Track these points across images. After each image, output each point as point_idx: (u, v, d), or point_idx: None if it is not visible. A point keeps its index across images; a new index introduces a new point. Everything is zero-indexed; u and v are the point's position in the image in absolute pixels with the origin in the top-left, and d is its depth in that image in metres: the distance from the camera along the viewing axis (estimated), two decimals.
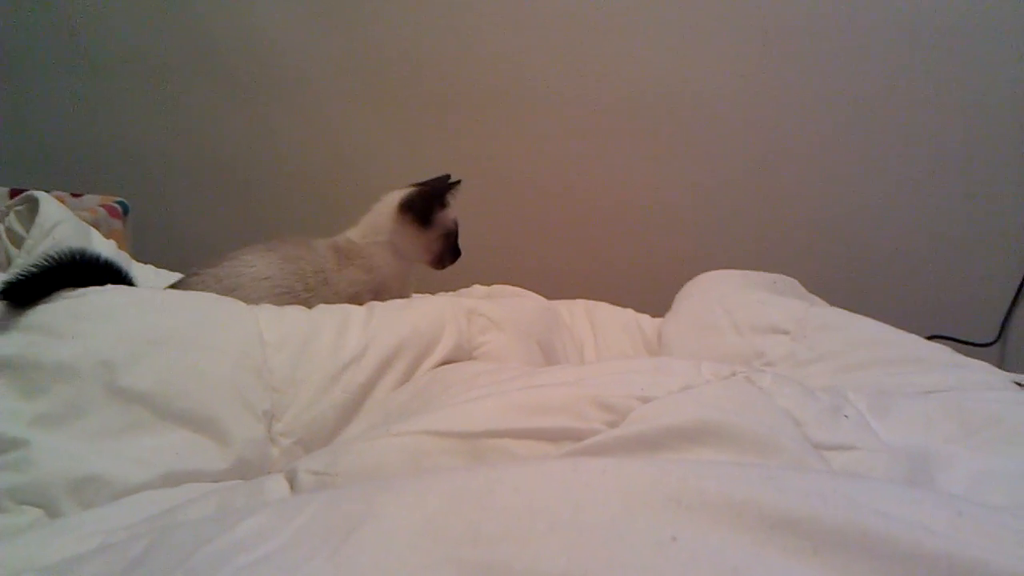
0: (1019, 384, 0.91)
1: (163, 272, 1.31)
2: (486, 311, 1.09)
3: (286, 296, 1.07)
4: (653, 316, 1.38)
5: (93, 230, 1.17)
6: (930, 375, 0.92)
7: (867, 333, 1.09)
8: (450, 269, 1.31)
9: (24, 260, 1.04)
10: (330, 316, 0.95)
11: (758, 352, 1.09)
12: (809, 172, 1.90)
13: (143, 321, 0.82)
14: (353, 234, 1.25)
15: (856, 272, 1.90)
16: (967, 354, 1.01)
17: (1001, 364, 1.09)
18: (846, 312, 1.16)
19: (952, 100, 1.79)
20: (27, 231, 1.08)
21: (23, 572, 0.50)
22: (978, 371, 0.95)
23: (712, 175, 1.94)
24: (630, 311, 1.40)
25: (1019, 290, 1.82)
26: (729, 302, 1.20)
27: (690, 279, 1.35)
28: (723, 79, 1.87)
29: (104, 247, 1.12)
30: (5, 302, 0.80)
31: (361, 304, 1.05)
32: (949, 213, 1.85)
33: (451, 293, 1.41)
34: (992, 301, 1.85)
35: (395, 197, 1.27)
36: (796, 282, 1.36)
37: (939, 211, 1.86)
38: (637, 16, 1.87)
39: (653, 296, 1.39)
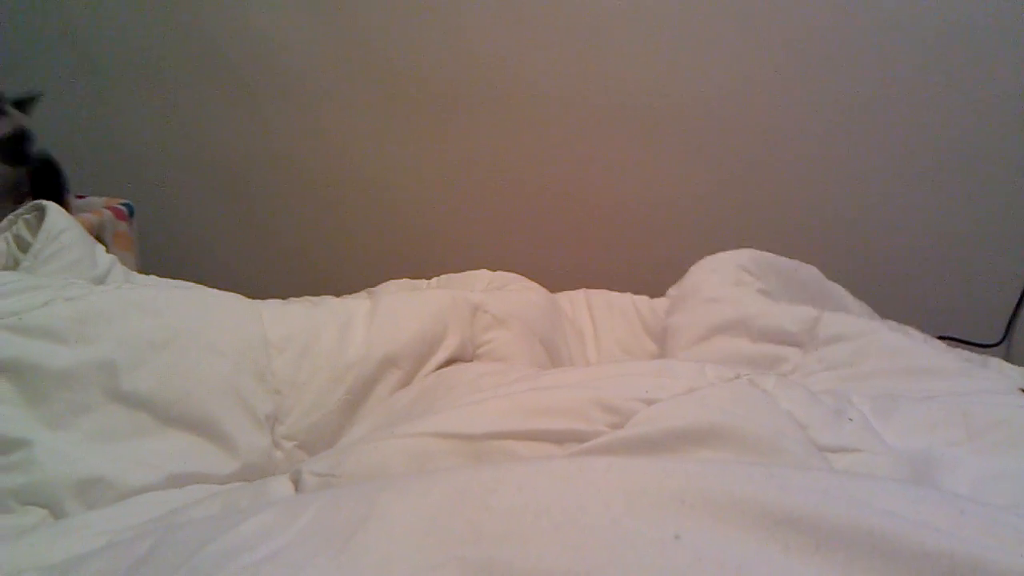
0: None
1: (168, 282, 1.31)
2: (491, 308, 1.09)
3: None
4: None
5: (97, 243, 1.17)
6: (939, 383, 0.92)
7: (878, 343, 1.07)
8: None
9: (31, 264, 1.04)
10: (333, 314, 0.95)
11: (770, 361, 1.08)
12: (812, 172, 1.90)
13: (145, 323, 0.82)
14: None
15: (860, 273, 1.89)
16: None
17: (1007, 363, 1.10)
18: (859, 320, 1.15)
19: (957, 100, 1.79)
20: (34, 237, 1.09)
21: (26, 571, 0.50)
22: (986, 378, 0.95)
23: (714, 176, 1.93)
24: (628, 295, 1.39)
25: None
26: (742, 305, 1.16)
27: None
28: (723, 79, 1.87)
29: (105, 260, 1.13)
30: None
31: None
32: (954, 213, 1.85)
33: (456, 276, 1.41)
34: (998, 301, 1.84)
35: None
36: (816, 270, 1.32)
37: (944, 211, 1.85)
38: (636, 18, 1.87)
39: (654, 295, 1.39)
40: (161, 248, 1.85)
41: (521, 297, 1.22)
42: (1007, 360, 1.78)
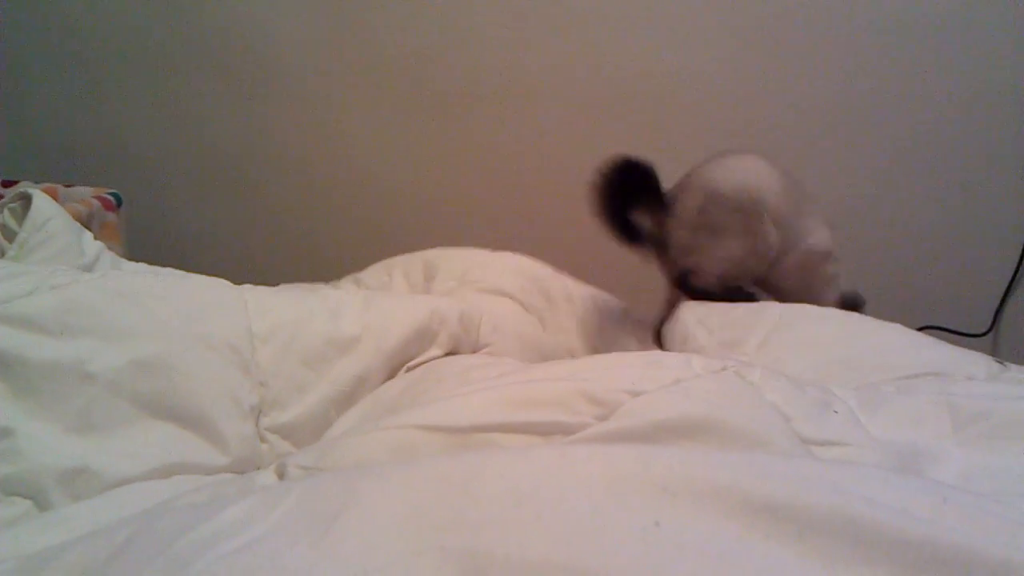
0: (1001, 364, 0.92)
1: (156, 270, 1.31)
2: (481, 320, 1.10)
3: None
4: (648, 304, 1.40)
5: (84, 230, 1.17)
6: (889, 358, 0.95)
7: (814, 332, 1.10)
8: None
9: (16, 253, 1.04)
10: (322, 304, 0.95)
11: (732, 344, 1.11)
12: (800, 162, 1.89)
13: (131, 313, 0.82)
14: None
15: (848, 262, 1.90)
16: (960, 344, 1.01)
17: (994, 354, 1.09)
18: (804, 308, 1.18)
19: (945, 89, 1.79)
20: (20, 226, 1.08)
21: (4, 561, 0.49)
22: (969, 362, 0.96)
23: None
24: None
25: (1012, 280, 1.83)
26: (704, 317, 1.22)
27: None
28: (718, 72, 1.88)
29: (93, 247, 1.12)
30: None
31: None
32: (942, 203, 1.86)
33: (443, 251, 1.44)
34: (985, 291, 1.85)
35: None
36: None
37: (931, 201, 1.86)
38: (632, 10, 1.87)
39: (650, 287, 1.40)
40: (150, 239, 1.84)
41: (497, 309, 1.22)
42: (993, 350, 1.80)
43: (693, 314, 1.24)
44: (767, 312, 1.18)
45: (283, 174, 2.13)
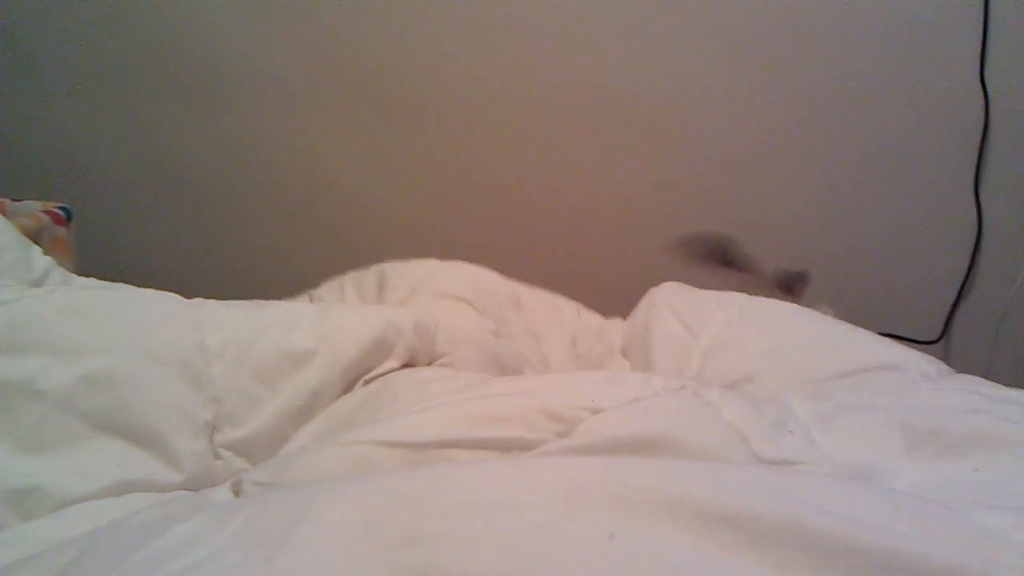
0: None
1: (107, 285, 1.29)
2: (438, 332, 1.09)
3: None
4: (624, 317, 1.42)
5: (33, 245, 1.15)
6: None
7: (774, 323, 1.15)
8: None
9: None
10: (276, 318, 0.94)
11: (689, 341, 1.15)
12: (751, 175, 1.92)
13: (80, 329, 0.80)
14: None
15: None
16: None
17: (945, 361, 1.12)
18: (766, 300, 1.23)
19: (896, 98, 1.82)
20: None
21: None
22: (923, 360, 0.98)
23: (667, 176, 1.95)
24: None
25: (962, 288, 1.85)
26: (675, 303, 1.28)
27: (662, 276, 1.43)
28: (679, 80, 1.88)
29: (42, 262, 1.10)
30: None
31: None
32: (892, 211, 1.88)
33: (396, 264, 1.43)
34: (936, 299, 1.88)
35: None
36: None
37: (882, 209, 1.88)
38: (609, 19, 1.88)
39: (629, 296, 1.41)
40: (102, 254, 1.81)
41: (456, 318, 1.22)
42: (946, 357, 1.83)
43: (666, 301, 1.29)
44: (730, 301, 1.21)
45: (239, 187, 2.10)
